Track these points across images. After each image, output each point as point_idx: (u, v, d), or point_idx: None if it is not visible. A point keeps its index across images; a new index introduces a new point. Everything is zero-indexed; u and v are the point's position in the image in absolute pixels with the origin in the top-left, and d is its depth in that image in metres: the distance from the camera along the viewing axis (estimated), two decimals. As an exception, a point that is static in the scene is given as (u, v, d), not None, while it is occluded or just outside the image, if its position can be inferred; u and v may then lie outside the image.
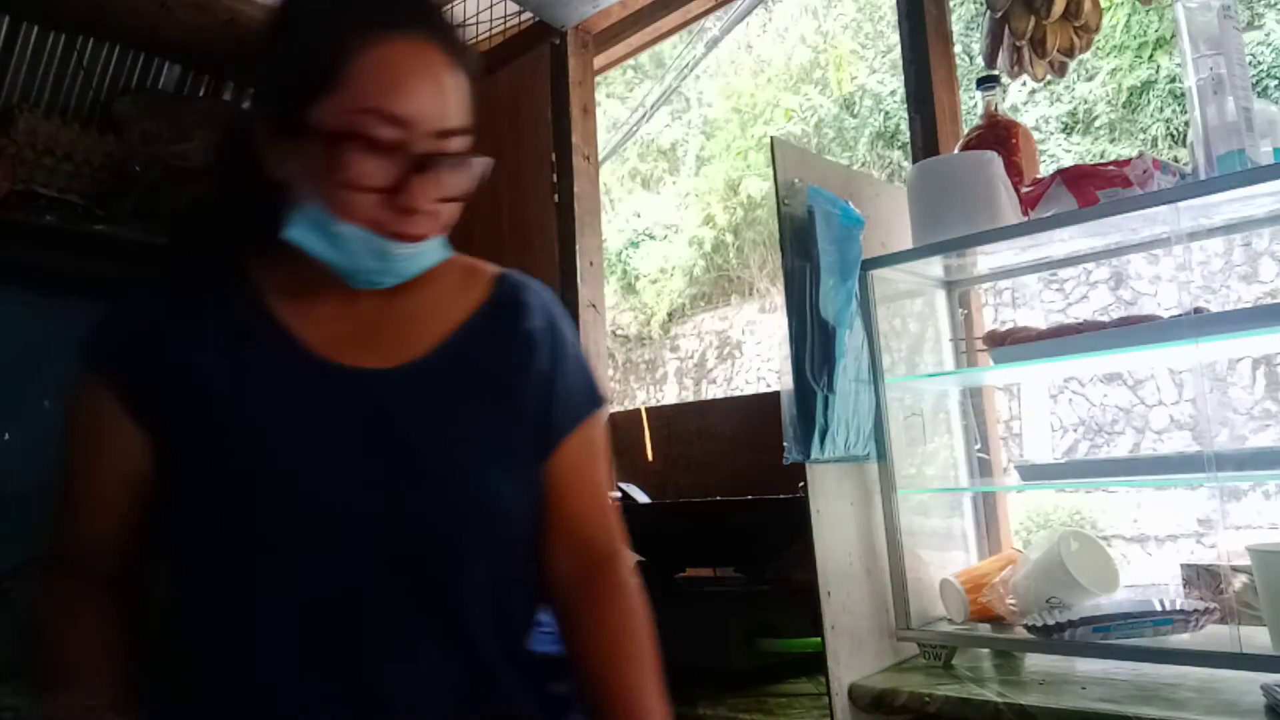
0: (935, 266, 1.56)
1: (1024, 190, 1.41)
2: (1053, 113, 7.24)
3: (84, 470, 0.85)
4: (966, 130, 1.66)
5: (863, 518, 1.43)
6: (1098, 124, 7.01)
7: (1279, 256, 5.78)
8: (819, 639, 1.29)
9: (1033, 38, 1.70)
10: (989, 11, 1.82)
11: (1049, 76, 1.79)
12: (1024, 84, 6.82)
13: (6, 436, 3.49)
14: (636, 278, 9.63)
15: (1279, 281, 5.75)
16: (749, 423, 2.17)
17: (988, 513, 1.66)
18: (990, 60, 1.85)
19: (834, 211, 1.40)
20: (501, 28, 3.23)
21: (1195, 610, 1.20)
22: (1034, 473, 1.44)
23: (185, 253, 0.93)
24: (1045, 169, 1.51)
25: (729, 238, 9.03)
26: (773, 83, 9.29)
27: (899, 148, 7.98)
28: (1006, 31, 1.79)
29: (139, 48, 3.72)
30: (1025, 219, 1.37)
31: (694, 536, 1.79)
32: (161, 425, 0.79)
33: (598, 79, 2.80)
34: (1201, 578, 1.49)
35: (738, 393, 8.27)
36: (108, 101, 3.68)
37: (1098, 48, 6.52)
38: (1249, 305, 5.38)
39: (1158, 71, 6.66)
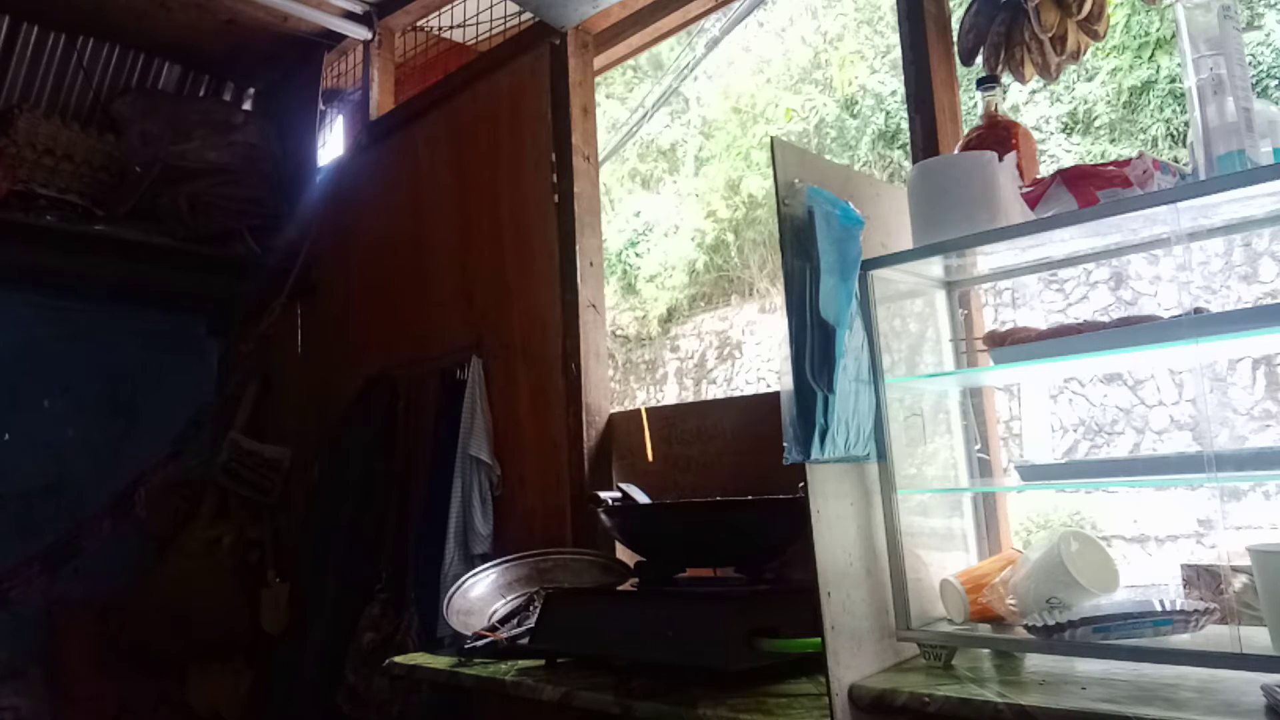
0: (935, 267, 1.55)
1: (1024, 190, 1.41)
2: (1053, 113, 7.24)
3: None
4: (966, 130, 1.66)
5: (863, 518, 1.42)
6: (1098, 124, 7.01)
7: (1279, 256, 5.77)
8: (819, 639, 1.29)
9: (1055, 34, 1.70)
10: (974, 5, 1.81)
11: (1036, 79, 1.79)
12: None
13: (6, 437, 3.49)
14: (636, 278, 9.63)
15: (1279, 281, 5.75)
16: (749, 423, 2.17)
17: (988, 513, 1.66)
18: (968, 58, 1.85)
19: (834, 212, 1.40)
20: (501, 28, 3.24)
21: (1195, 610, 1.20)
22: (1034, 473, 1.43)
23: None
24: (1045, 169, 1.51)
25: (729, 237, 9.04)
26: (773, 83, 9.30)
27: (900, 148, 7.98)
28: (993, 29, 1.79)
29: (139, 48, 3.73)
30: (1026, 219, 1.37)
31: (694, 536, 1.79)
32: None
33: (597, 79, 2.79)
34: (1201, 578, 1.48)
35: (738, 393, 8.27)
36: (108, 101, 3.69)
37: (1097, 48, 6.52)
38: (1249, 305, 5.38)
39: (1158, 71, 6.66)
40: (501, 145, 2.83)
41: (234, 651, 3.34)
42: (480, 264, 2.85)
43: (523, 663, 1.80)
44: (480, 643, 1.89)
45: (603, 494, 1.95)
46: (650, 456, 2.37)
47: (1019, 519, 5.24)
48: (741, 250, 9.03)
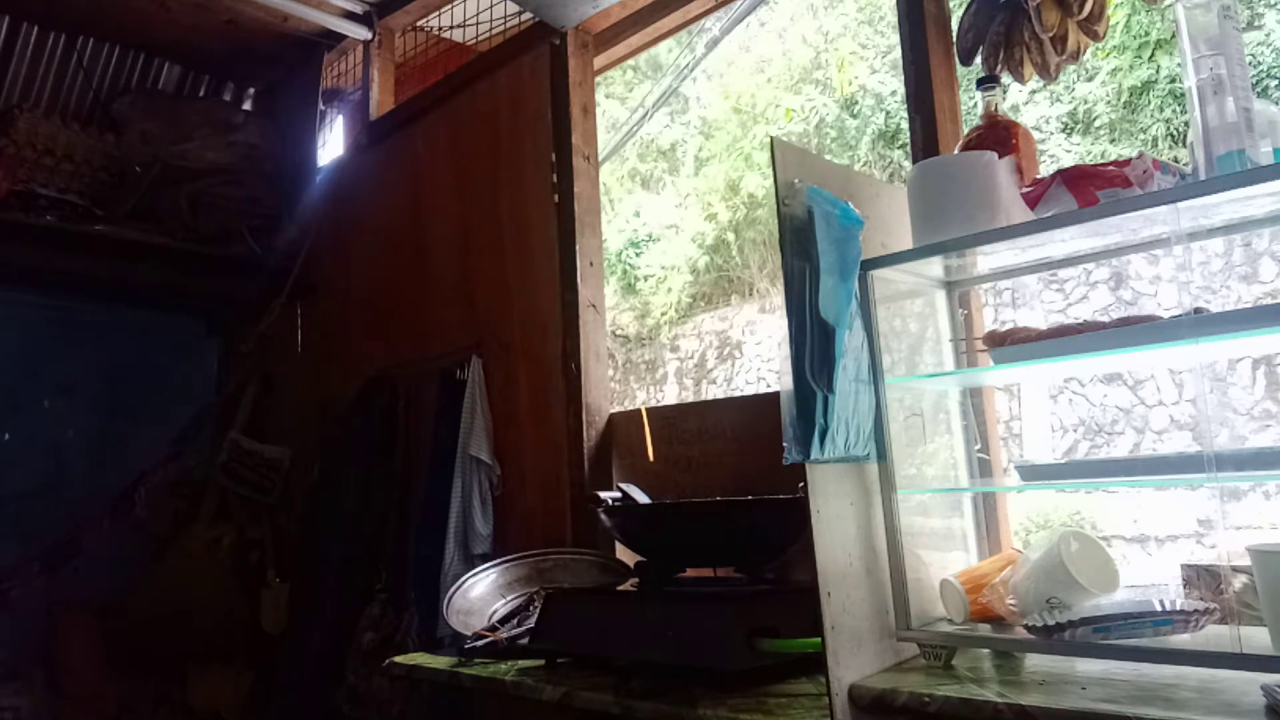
0: (935, 267, 1.55)
1: (1024, 190, 1.41)
2: (1053, 113, 7.23)
3: None
4: (966, 130, 1.66)
5: (863, 518, 1.42)
6: (1098, 124, 7.01)
7: (1279, 256, 5.77)
8: (819, 639, 1.29)
9: (1055, 34, 1.70)
10: (974, 5, 1.81)
11: (1036, 79, 1.79)
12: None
13: (6, 437, 3.49)
14: (636, 278, 9.63)
15: (1279, 281, 5.75)
16: (749, 423, 2.17)
17: (988, 513, 1.66)
18: (968, 58, 1.85)
19: (833, 212, 1.40)
20: (501, 28, 3.24)
21: (1195, 610, 1.20)
22: (1034, 473, 1.43)
23: None
24: (1045, 169, 1.51)
25: (730, 237, 9.04)
26: (773, 83, 9.29)
27: (900, 148, 7.98)
28: (993, 29, 1.79)
29: (139, 48, 3.73)
30: (1026, 219, 1.37)
31: (694, 536, 1.79)
32: None
33: (597, 79, 2.80)
34: (1201, 578, 1.48)
35: (738, 393, 8.27)
36: (108, 101, 3.69)
37: (1097, 48, 6.52)
38: (1249, 305, 5.38)
39: (1158, 71, 6.66)
40: (501, 145, 2.83)
41: (234, 652, 3.34)
42: (480, 264, 2.84)
43: (523, 663, 1.80)
44: (480, 643, 1.89)
45: (603, 494, 1.95)
46: (650, 456, 2.37)
47: (1019, 519, 5.24)
48: (741, 250, 9.03)
